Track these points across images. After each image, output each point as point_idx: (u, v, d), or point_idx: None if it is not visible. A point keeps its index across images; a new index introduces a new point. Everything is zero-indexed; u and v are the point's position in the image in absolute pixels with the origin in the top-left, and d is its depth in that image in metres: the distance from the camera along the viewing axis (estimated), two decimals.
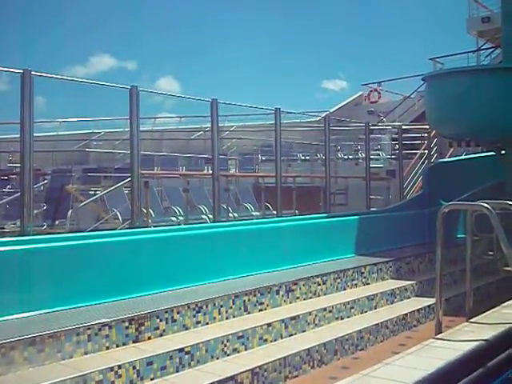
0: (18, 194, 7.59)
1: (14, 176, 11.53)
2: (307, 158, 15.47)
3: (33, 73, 5.73)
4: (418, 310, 6.26)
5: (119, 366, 3.76)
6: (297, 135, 15.72)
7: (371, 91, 21.29)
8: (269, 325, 4.90)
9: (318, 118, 14.59)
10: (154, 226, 8.47)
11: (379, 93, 21.20)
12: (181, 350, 4.16)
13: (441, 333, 4.51)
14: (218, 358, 4.42)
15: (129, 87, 6.54)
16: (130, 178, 6.99)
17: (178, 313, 4.53)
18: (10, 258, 4.31)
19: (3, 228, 8.36)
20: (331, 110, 18.21)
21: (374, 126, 14.16)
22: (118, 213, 9.28)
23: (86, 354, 3.92)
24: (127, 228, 7.76)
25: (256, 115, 15.68)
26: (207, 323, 4.78)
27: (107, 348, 4.05)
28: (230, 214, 10.33)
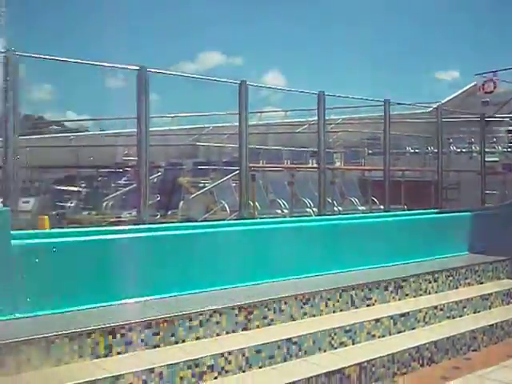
0: (134, 185, 8.01)
1: (128, 169, 12.14)
2: (417, 151, 14.93)
3: (148, 69, 5.99)
4: None
5: (229, 353, 3.87)
6: (406, 127, 15.22)
7: (486, 81, 20.14)
8: (377, 320, 4.82)
9: (430, 110, 14.03)
10: (260, 219, 8.58)
11: (495, 82, 20.00)
12: (288, 339, 4.20)
13: None
14: (325, 351, 4.42)
15: (238, 82, 6.66)
16: (237, 171, 7.13)
17: (285, 303, 4.58)
18: (131, 245, 4.56)
19: (120, 217, 8.84)
20: (443, 101, 17.44)
21: (490, 117, 13.39)
22: (225, 204, 9.51)
23: (197, 339, 4.07)
24: (235, 219, 7.94)
25: (363, 107, 15.38)
26: (314, 315, 4.79)
27: (218, 334, 4.17)
28: (335, 208, 10.23)
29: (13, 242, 3.89)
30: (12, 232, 3.94)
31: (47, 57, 5.80)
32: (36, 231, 5.05)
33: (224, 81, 6.74)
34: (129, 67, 6.18)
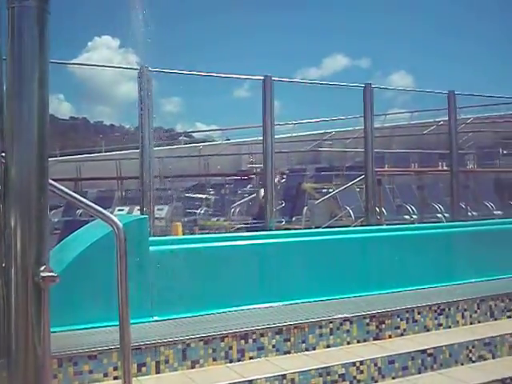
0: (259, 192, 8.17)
1: (253, 176, 12.43)
2: None
3: (273, 78, 6.08)
4: None
5: (361, 362, 3.78)
6: None
7: None
8: None
9: None
10: (387, 225, 8.36)
11: None
12: (423, 351, 4.02)
13: None
14: (462, 364, 4.16)
15: (363, 85, 6.56)
16: (362, 176, 7.02)
17: (419, 313, 4.40)
18: (259, 252, 4.65)
19: (247, 223, 9.07)
20: None
21: None
22: (350, 210, 9.41)
23: (328, 347, 4.03)
24: (360, 225, 7.81)
25: (496, 105, 14.47)
26: (449, 326, 4.55)
27: (348, 343, 4.10)
28: (469, 213, 9.70)
29: (151, 248, 4.11)
30: (150, 239, 4.17)
31: (177, 71, 6.10)
32: (171, 237, 5.31)
33: (348, 85, 6.68)
34: (254, 77, 6.33)
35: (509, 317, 4.88)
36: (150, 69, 5.56)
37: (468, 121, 15.16)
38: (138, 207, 5.97)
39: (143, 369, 3.48)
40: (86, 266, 3.82)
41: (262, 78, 6.13)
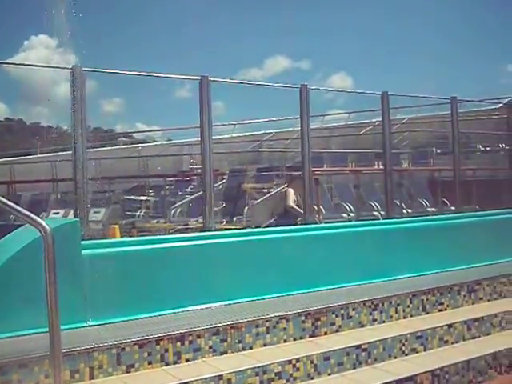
0: (200, 193, 8.13)
1: (194, 177, 12.36)
2: (488, 149, 14.36)
3: (209, 78, 6.05)
4: None
5: (297, 360, 3.82)
6: (475, 124, 14.69)
7: None
8: (449, 326, 4.64)
9: (499, 106, 13.48)
10: (325, 223, 8.50)
11: None
12: (358, 346, 4.11)
13: None
14: (395, 357, 4.29)
15: (299, 86, 6.62)
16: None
17: (353, 309, 4.50)
18: (196, 252, 4.62)
19: (187, 224, 9.01)
20: None
21: None
22: None
23: (264, 345, 4.06)
24: (300, 224, 7.89)
25: (429, 106, 14.94)
26: (383, 321, 4.68)
27: (285, 341, 4.15)
28: (404, 211, 9.99)
29: (83, 251, 4.02)
30: (82, 242, 4.08)
31: (113, 71, 5.98)
32: (106, 240, 5.21)
33: (284, 86, 6.73)
34: (192, 77, 6.28)
35: (440, 310, 5.06)
36: (83, 68, 5.42)
37: (403, 121, 15.60)
38: None
39: (76, 375, 3.40)
40: (15, 271, 3.69)
41: (199, 78, 6.08)
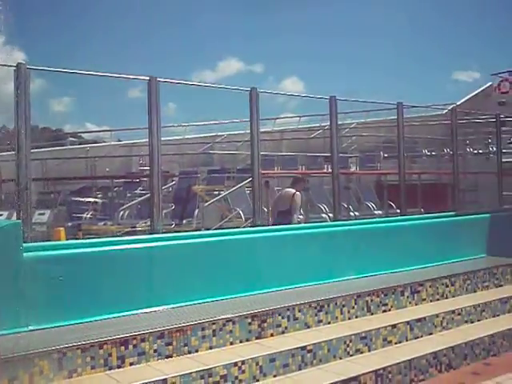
0: (149, 195, 8.04)
1: (144, 178, 12.21)
2: (433, 153, 14.78)
3: (158, 79, 5.99)
4: None
5: (243, 362, 3.83)
6: (422, 130, 15.09)
7: (501, 81, 19.90)
8: (393, 326, 4.75)
9: (445, 111, 13.89)
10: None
11: (511, 83, 19.75)
12: (303, 348, 4.15)
13: None
14: (340, 358, 4.36)
15: (249, 89, 6.64)
16: (250, 178, 7.10)
17: (299, 311, 4.54)
18: (141, 255, 4.56)
19: (135, 227, 8.88)
20: (458, 103, 17.25)
21: (507, 117, 13.19)
22: (240, 212, 9.50)
23: (210, 348, 4.04)
24: (249, 226, 7.90)
25: (378, 111, 15.27)
26: (329, 322, 4.74)
27: (231, 343, 4.15)
28: (351, 213, 10.16)
29: (25, 254, 3.91)
30: (25, 244, 3.96)
31: (59, 69, 5.84)
32: (49, 243, 5.08)
33: (234, 88, 6.73)
34: (139, 77, 6.20)
35: (384, 311, 5.16)
36: (28, 66, 5.28)
37: (352, 125, 15.89)
38: None
39: (15, 382, 3.29)
40: None
41: (148, 78, 6.01)
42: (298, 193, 8.53)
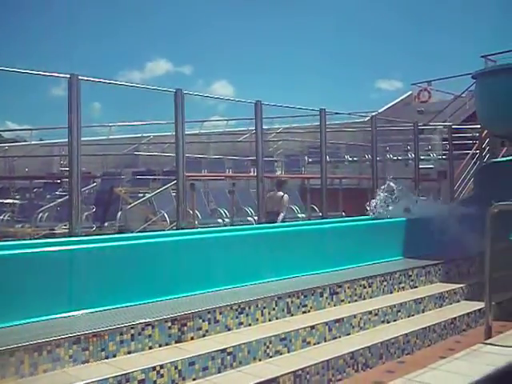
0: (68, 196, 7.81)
1: (65, 179, 11.86)
2: (355, 159, 15.26)
3: (80, 77, 5.85)
4: (467, 313, 6.06)
5: (161, 366, 3.78)
6: (346, 136, 15.55)
7: (421, 90, 20.85)
8: (312, 327, 4.84)
9: (367, 119, 14.38)
10: (201, 228, 8.53)
11: (429, 92, 20.72)
12: (223, 350, 4.15)
13: (490, 338, 4.35)
14: (260, 360, 4.38)
15: (174, 90, 6.61)
16: (175, 181, 7.07)
17: (220, 313, 4.53)
18: (58, 258, 4.42)
19: (53, 229, 8.61)
20: (380, 111, 17.90)
21: (424, 125, 13.83)
22: (165, 214, 9.42)
23: (129, 353, 3.97)
24: (174, 229, 7.84)
25: (304, 116, 15.60)
26: (250, 324, 4.76)
27: (150, 348, 4.09)
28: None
29: None
30: None
31: None
32: None
33: (159, 89, 6.69)
34: (59, 75, 6.03)
35: (304, 312, 5.25)
36: None
37: (278, 130, 16.13)
38: None
39: None
40: None
41: (68, 76, 5.86)
42: (285, 195, 8.85)
